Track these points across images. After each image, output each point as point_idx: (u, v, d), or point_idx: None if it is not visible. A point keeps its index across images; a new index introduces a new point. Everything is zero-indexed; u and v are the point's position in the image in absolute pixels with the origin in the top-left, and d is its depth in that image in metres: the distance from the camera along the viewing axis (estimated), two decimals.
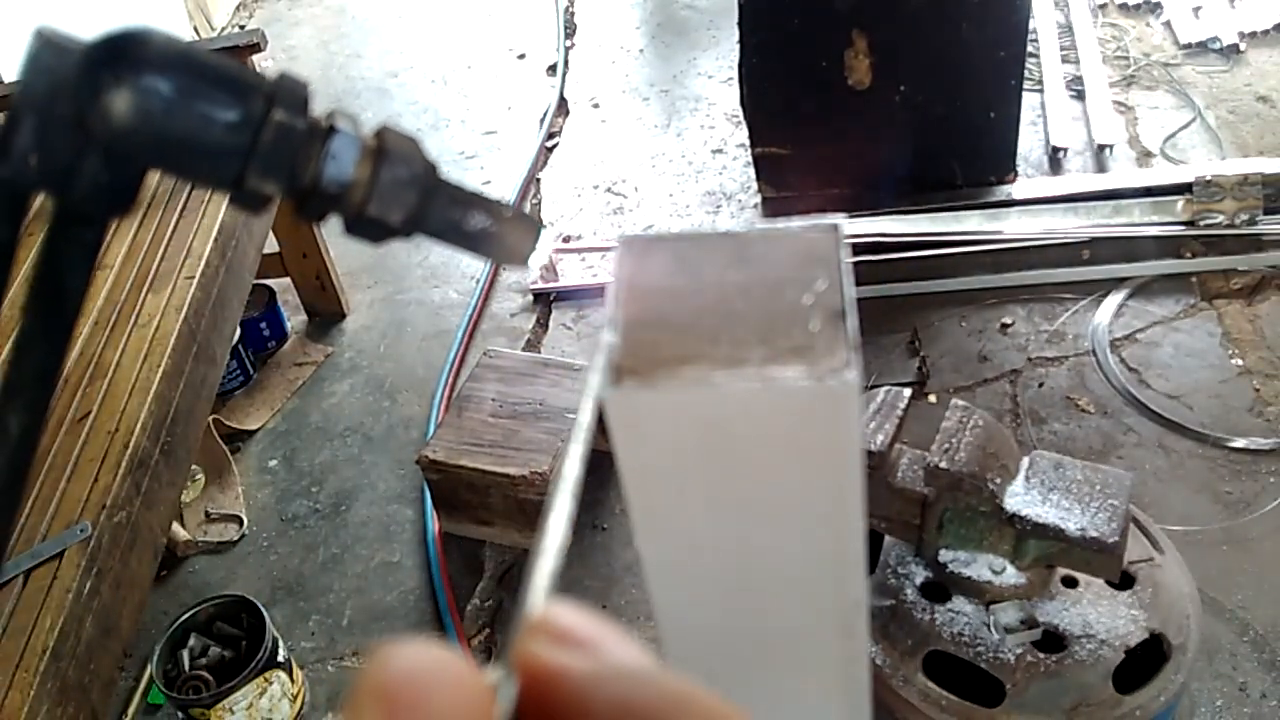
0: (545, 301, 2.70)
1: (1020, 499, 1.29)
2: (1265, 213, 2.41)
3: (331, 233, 2.70)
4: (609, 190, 3.02)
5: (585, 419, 0.48)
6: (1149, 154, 2.81)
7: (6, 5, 2.78)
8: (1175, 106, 2.96)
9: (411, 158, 0.53)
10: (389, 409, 2.49)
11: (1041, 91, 3.02)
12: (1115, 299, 2.42)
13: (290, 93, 0.49)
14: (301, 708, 1.89)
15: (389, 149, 0.52)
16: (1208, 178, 2.43)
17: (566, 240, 2.88)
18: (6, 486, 0.49)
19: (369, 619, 2.05)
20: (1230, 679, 1.73)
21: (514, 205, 0.59)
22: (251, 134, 0.48)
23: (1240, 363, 2.25)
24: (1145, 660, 1.31)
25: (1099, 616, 1.32)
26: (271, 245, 2.53)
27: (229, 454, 2.38)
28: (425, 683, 0.26)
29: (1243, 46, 3.13)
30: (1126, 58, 3.17)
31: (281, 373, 2.62)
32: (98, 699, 1.50)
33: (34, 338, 0.49)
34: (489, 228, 0.55)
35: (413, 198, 0.52)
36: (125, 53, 0.46)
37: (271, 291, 2.68)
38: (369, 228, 0.52)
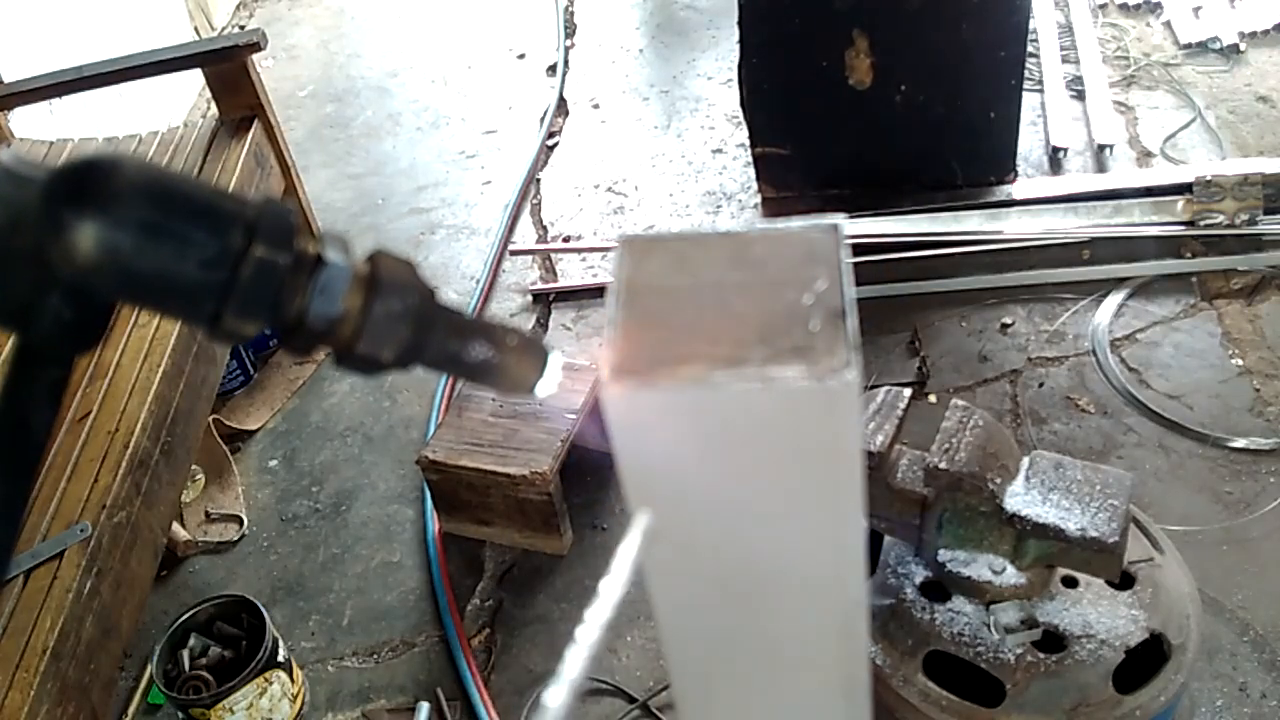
0: (545, 301, 2.70)
1: (1020, 499, 1.29)
2: (1265, 213, 2.41)
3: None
4: (609, 190, 3.02)
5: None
6: (1149, 154, 2.81)
7: (7, 6, 2.78)
8: (1175, 106, 2.96)
9: (406, 287, 0.49)
10: (389, 409, 2.49)
11: (1041, 91, 3.02)
12: (1115, 299, 2.42)
13: (274, 222, 0.45)
14: (301, 708, 1.89)
15: (382, 279, 0.48)
16: (1208, 178, 2.42)
17: (566, 240, 2.88)
18: None
19: (369, 619, 2.05)
20: (1230, 679, 1.73)
21: (520, 332, 0.56)
22: (229, 270, 0.44)
23: (1240, 363, 2.25)
24: (1145, 660, 1.31)
25: (1099, 616, 1.32)
26: None
27: (229, 454, 2.38)
28: None
29: (1243, 46, 3.13)
30: (1126, 58, 3.17)
31: (281, 372, 2.62)
32: (98, 699, 1.50)
33: None
34: (491, 359, 0.53)
35: (406, 333, 0.49)
36: (90, 184, 0.43)
37: None
38: (360, 363, 0.49)
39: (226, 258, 0.44)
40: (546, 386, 0.57)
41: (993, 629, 1.32)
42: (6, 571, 0.48)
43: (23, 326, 0.45)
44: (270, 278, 0.45)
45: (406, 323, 0.49)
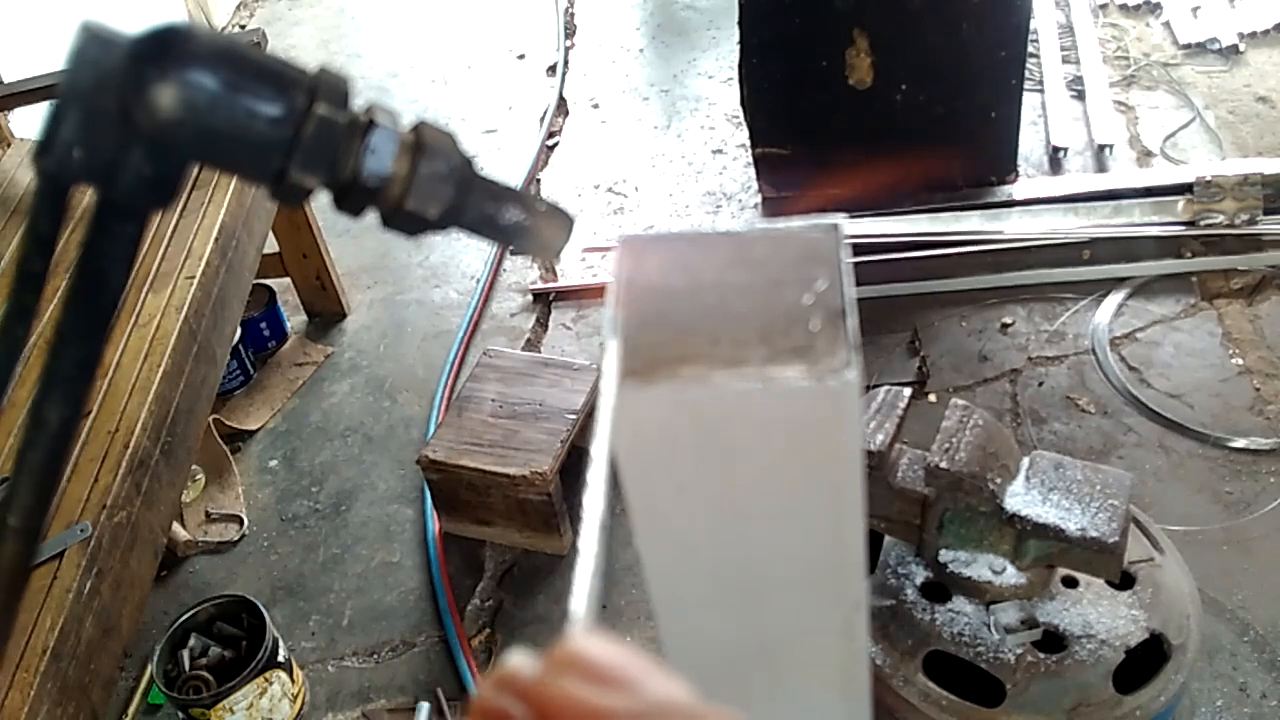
0: (545, 301, 2.70)
1: (1020, 499, 1.29)
2: (1265, 213, 2.41)
3: (332, 232, 2.70)
4: (609, 190, 3.02)
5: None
6: (1149, 154, 2.81)
7: (7, 6, 2.78)
8: (1175, 106, 2.96)
9: (449, 152, 0.53)
10: (389, 409, 2.49)
11: (1042, 91, 3.02)
12: (1115, 299, 2.42)
13: (331, 87, 0.50)
14: (302, 708, 1.89)
15: (427, 144, 0.53)
16: (1208, 178, 2.42)
17: None
18: (45, 476, 0.49)
19: (369, 619, 2.05)
20: (1230, 679, 1.73)
21: (547, 200, 0.59)
22: (294, 128, 0.48)
23: (1240, 362, 2.25)
24: (1145, 660, 1.31)
25: (1099, 616, 1.32)
26: (271, 245, 2.53)
27: (229, 454, 2.38)
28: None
29: (1242, 46, 3.13)
30: (1126, 58, 3.17)
31: (281, 373, 2.62)
32: (98, 699, 1.50)
33: (73, 330, 0.49)
34: (523, 221, 0.56)
35: (450, 192, 0.53)
36: (170, 46, 0.46)
37: (271, 291, 2.68)
38: (406, 221, 0.53)
39: (292, 116, 0.48)
40: (571, 250, 0.60)
41: (993, 629, 1.32)
42: (81, 420, 0.50)
43: (107, 182, 0.48)
44: (330, 134, 0.50)
45: (450, 183, 0.53)
